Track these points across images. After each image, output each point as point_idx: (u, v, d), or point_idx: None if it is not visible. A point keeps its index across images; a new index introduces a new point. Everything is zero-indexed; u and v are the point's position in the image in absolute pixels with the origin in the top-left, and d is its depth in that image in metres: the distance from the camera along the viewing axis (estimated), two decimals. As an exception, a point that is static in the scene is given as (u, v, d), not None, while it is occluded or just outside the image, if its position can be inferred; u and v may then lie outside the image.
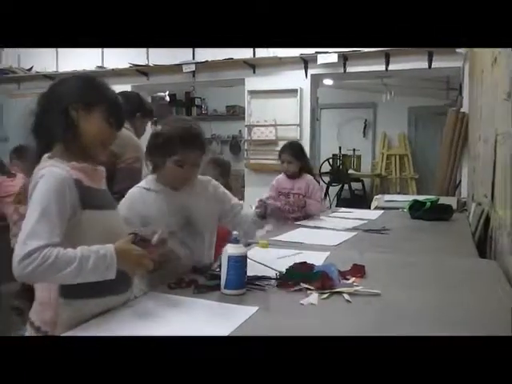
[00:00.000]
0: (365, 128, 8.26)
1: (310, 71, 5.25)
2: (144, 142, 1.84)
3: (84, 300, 1.16)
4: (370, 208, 4.02)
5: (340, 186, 7.70)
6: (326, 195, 7.64)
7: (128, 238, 1.21)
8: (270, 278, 1.47)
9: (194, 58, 5.54)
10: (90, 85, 1.28)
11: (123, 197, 1.65)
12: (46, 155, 1.21)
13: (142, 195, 1.64)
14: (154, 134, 1.66)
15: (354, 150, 8.07)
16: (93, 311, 1.17)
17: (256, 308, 1.22)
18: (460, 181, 4.62)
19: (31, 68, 6.46)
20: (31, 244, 1.05)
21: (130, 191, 1.66)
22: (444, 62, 4.62)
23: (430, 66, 4.69)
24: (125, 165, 2.35)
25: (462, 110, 4.53)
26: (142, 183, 1.69)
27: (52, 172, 1.15)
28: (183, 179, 1.66)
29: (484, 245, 2.33)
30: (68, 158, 1.21)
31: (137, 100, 2.68)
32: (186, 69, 5.49)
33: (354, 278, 1.48)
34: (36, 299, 1.24)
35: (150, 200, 1.63)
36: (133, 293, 1.33)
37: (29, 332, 1.23)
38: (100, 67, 5.87)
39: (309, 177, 3.08)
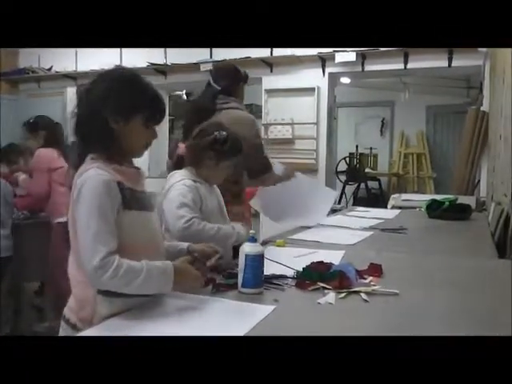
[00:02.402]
0: (382, 127, 8.21)
1: (328, 70, 5.23)
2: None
3: (120, 298, 1.19)
4: (386, 207, 4.00)
5: (356, 184, 7.66)
6: (342, 194, 7.61)
7: (187, 258, 1.32)
8: (287, 277, 1.48)
9: (211, 57, 5.57)
10: (128, 92, 1.25)
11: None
12: (89, 156, 1.23)
13: (193, 185, 1.76)
14: (222, 139, 1.80)
15: (371, 148, 8.02)
16: (126, 308, 1.20)
17: (273, 307, 1.22)
18: (479, 180, 4.56)
19: (51, 68, 6.55)
20: (100, 251, 1.12)
21: (183, 182, 1.76)
22: (464, 60, 4.56)
23: (449, 65, 4.64)
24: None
25: (482, 108, 4.47)
26: (188, 175, 1.80)
27: (97, 175, 1.17)
28: (223, 179, 1.89)
29: (504, 245, 2.30)
30: (110, 161, 1.23)
31: (232, 73, 2.60)
32: (203, 67, 5.51)
33: (371, 278, 1.48)
34: (74, 297, 1.26)
35: (199, 189, 1.77)
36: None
37: (63, 329, 1.26)
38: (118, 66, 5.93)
39: None
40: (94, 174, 1.18)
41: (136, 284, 1.14)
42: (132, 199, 1.23)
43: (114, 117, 1.22)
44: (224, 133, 1.82)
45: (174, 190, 1.74)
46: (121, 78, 1.28)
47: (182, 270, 1.25)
